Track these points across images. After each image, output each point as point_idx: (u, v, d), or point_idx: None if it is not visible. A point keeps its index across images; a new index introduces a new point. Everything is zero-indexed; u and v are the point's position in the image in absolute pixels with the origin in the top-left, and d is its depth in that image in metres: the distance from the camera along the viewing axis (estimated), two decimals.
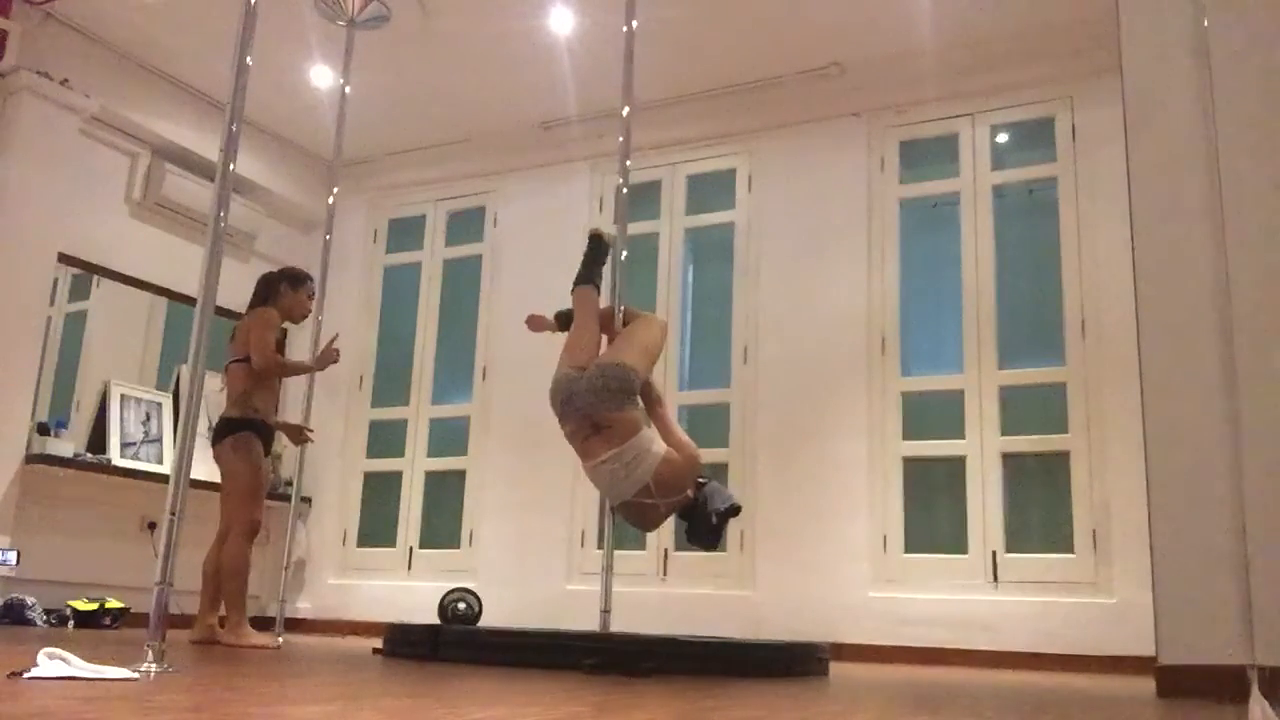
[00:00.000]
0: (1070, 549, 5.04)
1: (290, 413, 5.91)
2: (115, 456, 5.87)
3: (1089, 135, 5.36)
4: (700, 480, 3.65)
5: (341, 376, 7.03)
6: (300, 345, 5.81)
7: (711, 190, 6.36)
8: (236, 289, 4.76)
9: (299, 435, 4.71)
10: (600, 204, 6.55)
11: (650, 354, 3.76)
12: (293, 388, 5.98)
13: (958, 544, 5.27)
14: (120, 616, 5.44)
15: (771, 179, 6.13)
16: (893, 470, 5.48)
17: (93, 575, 5.57)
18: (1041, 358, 5.34)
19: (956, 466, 5.36)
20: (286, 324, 4.59)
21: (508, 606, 5.77)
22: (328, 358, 4.53)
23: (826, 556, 5.46)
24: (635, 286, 5.13)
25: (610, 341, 3.83)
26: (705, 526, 3.62)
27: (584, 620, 4.45)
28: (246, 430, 4.21)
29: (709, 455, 5.11)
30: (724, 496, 3.65)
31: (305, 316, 4.58)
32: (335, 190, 5.25)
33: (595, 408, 3.52)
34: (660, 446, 3.58)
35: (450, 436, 6.76)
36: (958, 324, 5.51)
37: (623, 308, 3.90)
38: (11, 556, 5.10)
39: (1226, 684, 2.79)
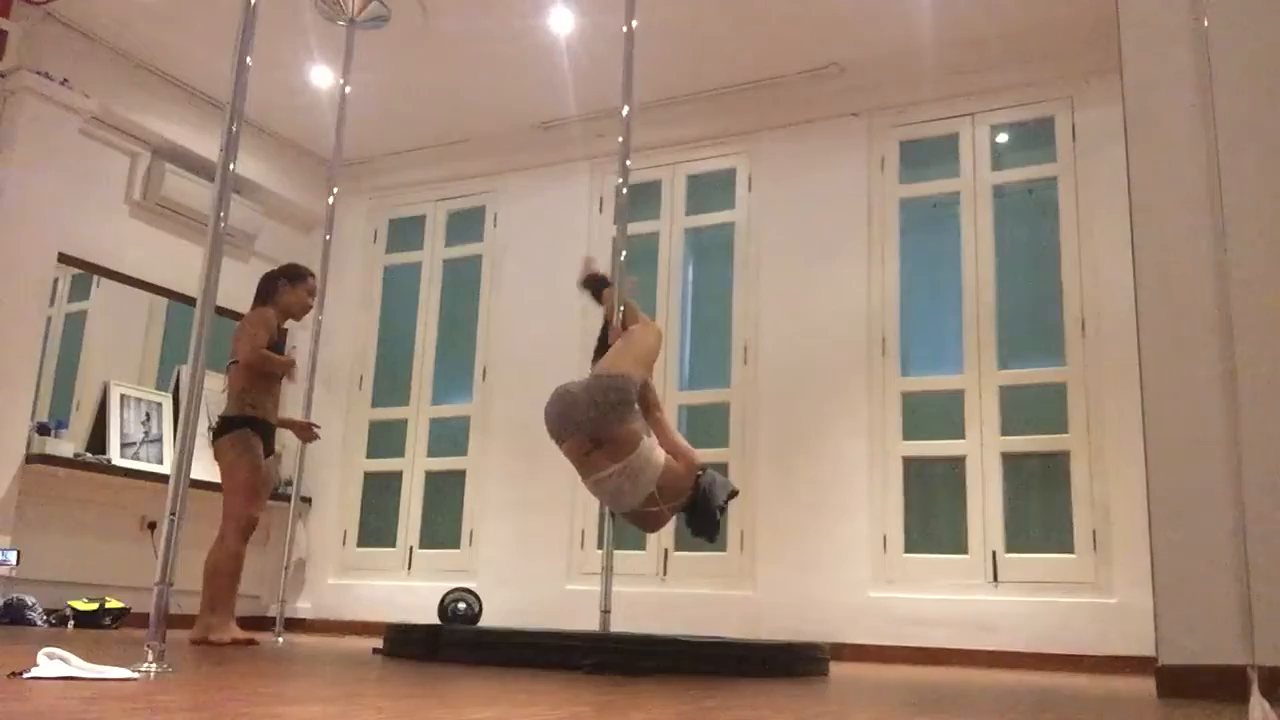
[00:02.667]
0: (1070, 549, 5.04)
1: (291, 413, 5.90)
2: (115, 456, 5.87)
3: (1089, 135, 5.35)
4: (697, 472, 3.64)
5: (341, 376, 7.03)
6: (301, 343, 5.80)
7: (711, 190, 6.36)
8: (236, 289, 4.76)
9: (307, 431, 4.72)
10: (600, 204, 6.55)
11: (647, 360, 3.75)
12: (292, 386, 5.98)
13: (957, 544, 5.27)
14: (120, 616, 5.44)
15: (771, 179, 6.13)
16: (893, 470, 5.48)
17: (93, 575, 5.57)
18: (1041, 358, 5.34)
19: (956, 466, 5.36)
20: (289, 322, 4.59)
21: (508, 606, 5.77)
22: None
23: (826, 556, 5.45)
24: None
25: (610, 342, 3.82)
26: (709, 518, 3.62)
27: (584, 620, 4.45)
28: (244, 428, 4.21)
29: (709, 455, 5.12)
30: (723, 485, 3.64)
31: (306, 312, 4.58)
32: (335, 190, 5.26)
33: (596, 424, 3.43)
34: (660, 454, 3.53)
35: (450, 436, 6.76)
36: (958, 324, 5.51)
37: (623, 306, 3.90)
38: (11, 556, 5.10)
39: (1226, 684, 2.79)
